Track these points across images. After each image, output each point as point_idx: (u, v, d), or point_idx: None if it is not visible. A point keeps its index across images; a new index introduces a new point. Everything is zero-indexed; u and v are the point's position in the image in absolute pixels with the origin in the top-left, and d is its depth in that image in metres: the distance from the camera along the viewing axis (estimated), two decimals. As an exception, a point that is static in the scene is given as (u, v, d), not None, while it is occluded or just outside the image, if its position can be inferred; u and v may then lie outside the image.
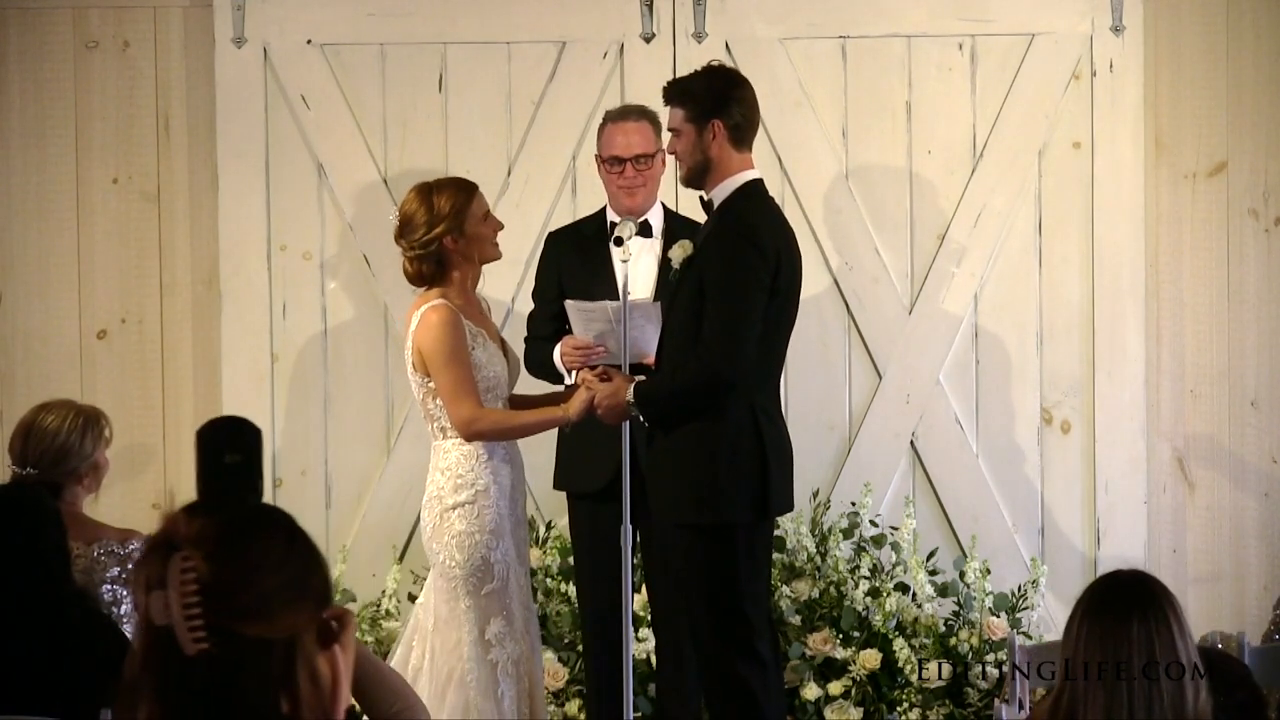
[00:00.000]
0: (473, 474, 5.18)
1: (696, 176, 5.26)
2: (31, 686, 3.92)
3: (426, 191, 5.23)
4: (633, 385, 5.14)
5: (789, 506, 5.43)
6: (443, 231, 5.17)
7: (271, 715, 2.35)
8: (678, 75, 6.23)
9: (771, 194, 6.41)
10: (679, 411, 5.13)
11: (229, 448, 5.13)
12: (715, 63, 5.41)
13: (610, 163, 5.76)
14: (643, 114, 5.80)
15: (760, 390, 5.21)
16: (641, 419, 5.17)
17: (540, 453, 5.80)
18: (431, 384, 5.16)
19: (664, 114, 5.47)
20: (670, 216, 5.88)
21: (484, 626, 5.16)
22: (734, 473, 5.13)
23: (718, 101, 5.21)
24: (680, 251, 5.25)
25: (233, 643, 2.33)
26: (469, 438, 5.18)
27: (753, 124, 5.29)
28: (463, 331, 5.16)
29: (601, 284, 5.70)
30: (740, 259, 5.11)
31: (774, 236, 5.22)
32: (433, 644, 5.19)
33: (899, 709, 6.01)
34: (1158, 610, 3.02)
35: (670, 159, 5.68)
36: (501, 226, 5.33)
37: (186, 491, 5.48)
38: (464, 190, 5.24)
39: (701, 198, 5.31)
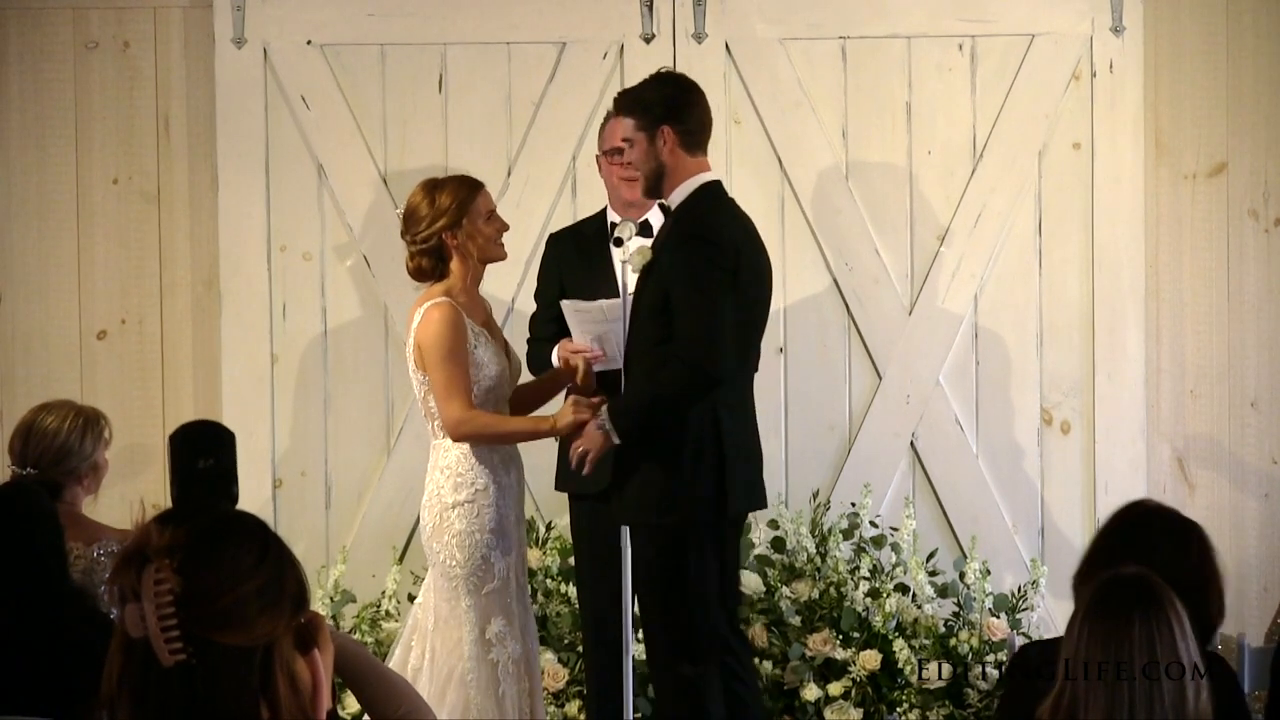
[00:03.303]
0: (472, 473, 5.17)
1: (653, 185, 5.24)
2: (30, 686, 3.91)
3: (431, 187, 5.23)
4: (605, 407, 5.11)
5: (758, 504, 5.38)
6: (443, 226, 5.17)
7: (252, 723, 2.35)
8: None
9: (771, 194, 6.45)
10: (661, 417, 5.10)
11: (202, 453, 5.13)
12: (664, 69, 5.41)
13: (610, 154, 5.76)
14: None
15: (725, 385, 5.16)
16: (616, 438, 5.12)
17: (541, 453, 5.80)
18: (429, 381, 5.16)
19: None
20: (668, 213, 5.86)
21: (485, 626, 5.16)
22: (694, 472, 5.10)
23: (667, 108, 5.20)
24: (639, 258, 5.24)
25: (210, 652, 2.33)
26: (457, 438, 5.17)
27: (704, 128, 5.27)
28: (463, 330, 5.15)
29: (603, 284, 5.70)
30: (700, 256, 5.10)
31: (731, 232, 5.18)
32: (433, 643, 5.19)
33: (899, 709, 6.01)
34: (1159, 610, 3.02)
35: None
36: (506, 227, 5.31)
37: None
38: (467, 186, 5.24)
39: (661, 205, 5.31)
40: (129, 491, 6.27)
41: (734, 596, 5.42)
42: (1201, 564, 3.50)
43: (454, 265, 5.22)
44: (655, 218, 5.81)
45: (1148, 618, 3.01)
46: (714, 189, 5.25)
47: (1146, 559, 3.30)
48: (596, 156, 5.91)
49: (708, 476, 5.12)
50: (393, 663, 5.28)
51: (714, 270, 5.08)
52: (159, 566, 2.32)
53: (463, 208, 5.19)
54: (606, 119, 5.85)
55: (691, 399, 5.08)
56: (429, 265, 5.22)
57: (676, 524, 5.11)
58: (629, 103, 5.27)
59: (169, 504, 5.10)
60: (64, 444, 5.04)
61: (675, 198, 5.21)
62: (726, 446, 5.14)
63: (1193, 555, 3.51)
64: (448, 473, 5.19)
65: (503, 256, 5.33)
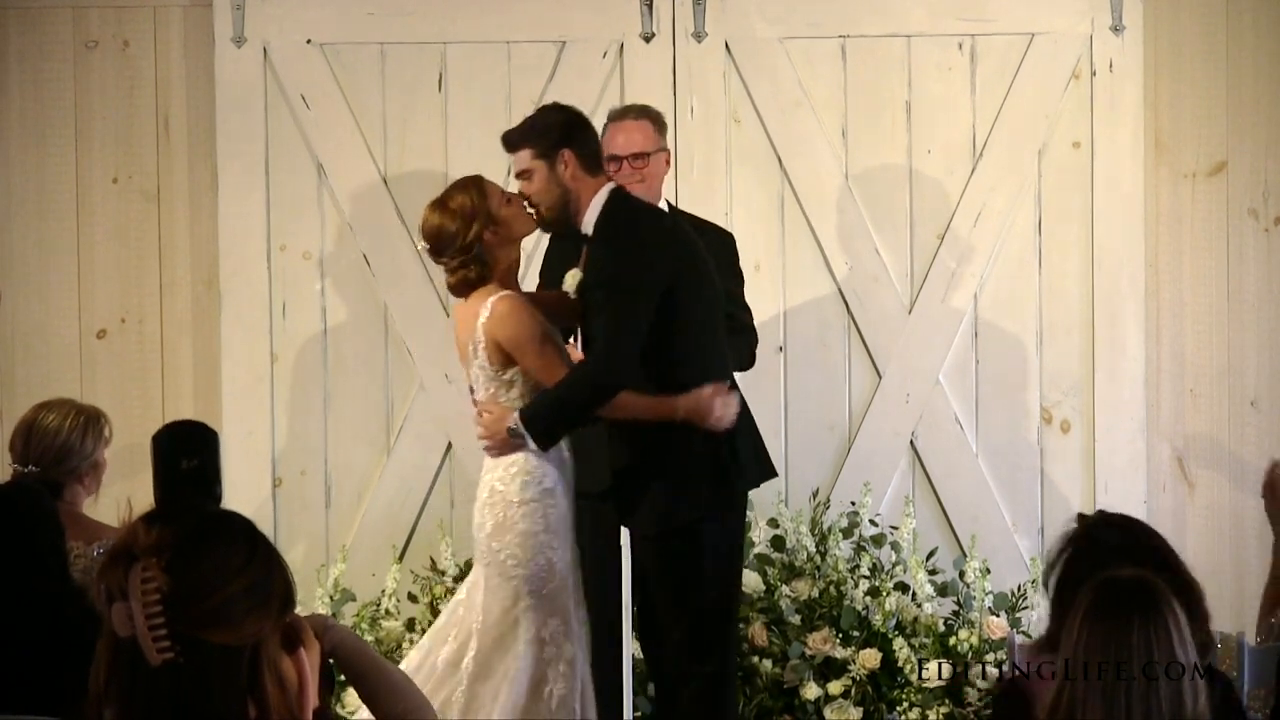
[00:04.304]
0: (540, 471, 5.15)
1: (559, 214, 5.20)
2: (30, 686, 3.91)
3: (441, 204, 5.16)
4: (516, 412, 5.13)
5: (768, 473, 5.42)
6: (480, 228, 5.12)
7: (239, 721, 2.35)
8: (676, 77, 6.27)
9: (771, 193, 6.46)
10: (571, 420, 5.12)
11: (185, 454, 5.12)
12: (548, 104, 5.36)
13: (609, 160, 5.77)
14: (642, 113, 5.81)
15: (709, 380, 5.18)
16: (530, 441, 5.12)
17: (545, 451, 5.80)
18: (506, 375, 5.12)
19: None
20: (674, 213, 5.86)
21: (540, 626, 5.13)
22: (699, 463, 5.15)
23: (564, 132, 5.18)
24: (572, 280, 5.26)
25: (197, 651, 2.33)
26: None
27: (599, 151, 5.27)
28: (537, 312, 5.14)
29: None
30: (615, 268, 5.11)
31: (651, 226, 5.20)
32: (480, 642, 5.17)
33: (899, 708, 6.01)
34: (1157, 614, 3.03)
35: (673, 159, 5.76)
36: (526, 196, 5.26)
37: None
38: (471, 183, 5.20)
39: (580, 233, 5.28)
40: (129, 491, 6.27)
41: (738, 590, 5.47)
42: (1177, 573, 3.51)
43: (498, 265, 5.18)
44: (663, 211, 5.82)
45: (1146, 621, 3.01)
46: (620, 193, 5.23)
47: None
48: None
49: (717, 463, 5.17)
50: (415, 655, 5.26)
51: (630, 279, 5.09)
52: (146, 565, 2.33)
53: (482, 203, 5.15)
54: (605, 125, 5.84)
55: (597, 403, 5.08)
56: (475, 273, 5.13)
57: (694, 521, 5.14)
58: (523, 133, 5.21)
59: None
60: (66, 442, 5.04)
61: (588, 220, 5.18)
62: (729, 437, 5.18)
63: (1170, 568, 3.51)
64: (514, 470, 5.16)
65: (535, 225, 5.27)
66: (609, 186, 5.21)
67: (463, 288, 5.17)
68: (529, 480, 5.14)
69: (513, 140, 5.23)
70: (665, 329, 5.11)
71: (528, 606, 5.13)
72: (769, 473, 5.42)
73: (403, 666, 5.14)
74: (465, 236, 5.10)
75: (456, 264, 5.15)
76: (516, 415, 5.09)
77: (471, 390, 5.28)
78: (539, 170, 5.17)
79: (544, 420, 5.09)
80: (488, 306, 5.09)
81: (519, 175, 5.23)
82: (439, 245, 5.15)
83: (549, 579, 5.14)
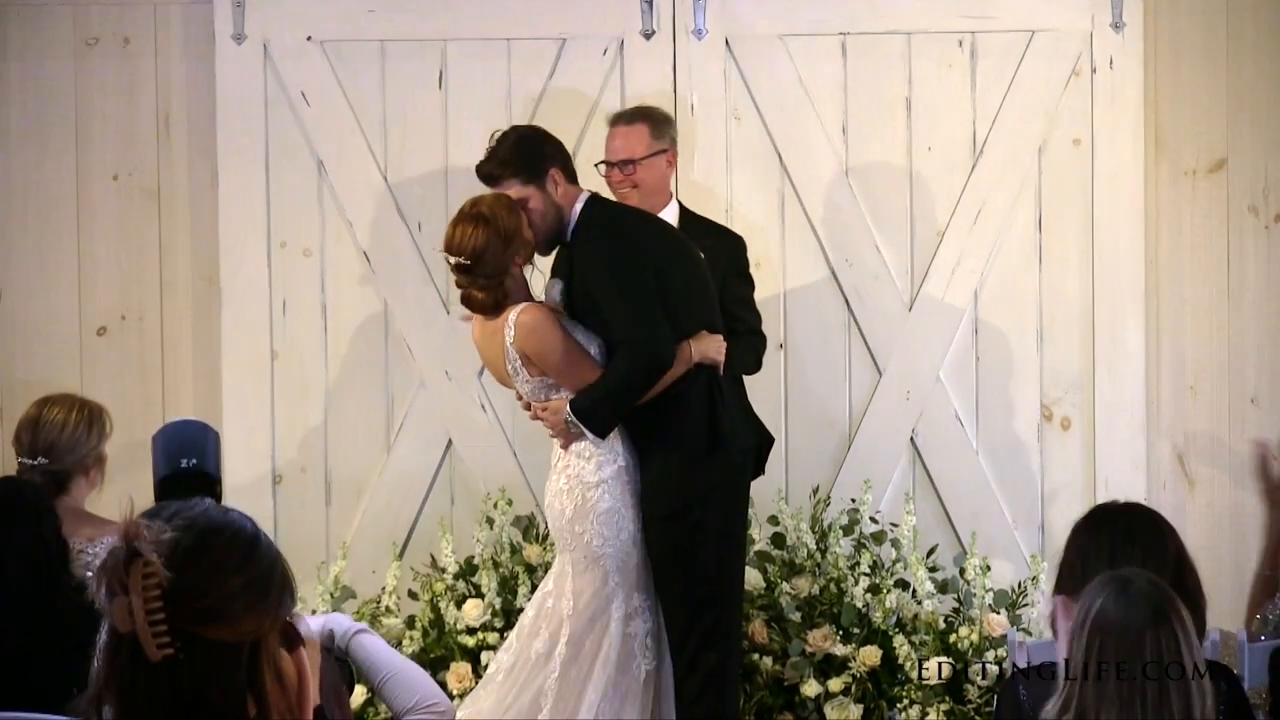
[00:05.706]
0: (613, 452, 5.25)
1: (555, 230, 5.27)
2: (30, 681, 3.92)
3: (484, 220, 5.14)
4: (568, 403, 5.20)
5: (764, 437, 5.55)
6: (514, 249, 5.14)
7: (239, 718, 2.35)
8: (676, 74, 6.27)
9: (771, 190, 6.47)
10: (623, 405, 5.19)
11: (184, 452, 5.13)
12: (500, 130, 5.38)
13: (604, 166, 5.81)
14: (636, 116, 5.83)
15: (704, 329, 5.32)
16: (586, 432, 5.21)
17: (546, 448, 5.80)
18: (551, 378, 5.17)
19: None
20: (686, 215, 5.87)
21: (627, 602, 5.26)
22: (694, 450, 5.26)
23: (547, 152, 5.25)
24: (554, 289, 5.33)
25: (198, 647, 2.34)
26: None
27: (569, 156, 5.34)
28: (557, 318, 5.19)
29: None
30: (613, 265, 5.18)
31: (628, 223, 5.30)
32: (573, 627, 5.24)
33: (899, 706, 6.02)
34: (1166, 623, 3.03)
35: (678, 157, 5.79)
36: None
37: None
38: (510, 203, 5.18)
39: (563, 244, 5.35)
40: (130, 488, 6.26)
41: (740, 570, 5.53)
42: (1179, 560, 3.53)
43: (516, 280, 5.20)
44: (670, 217, 5.82)
45: (1158, 631, 3.02)
46: (595, 199, 5.32)
47: (1131, 563, 3.32)
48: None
49: (711, 442, 5.27)
50: (506, 657, 5.33)
51: (630, 262, 5.17)
52: (148, 561, 2.33)
53: (518, 222, 5.17)
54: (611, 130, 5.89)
55: (646, 383, 5.17)
56: (503, 293, 5.17)
57: (696, 499, 5.22)
58: (506, 165, 5.24)
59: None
60: (72, 435, 5.06)
61: (569, 228, 5.28)
62: (720, 415, 5.29)
63: (1170, 553, 3.54)
64: (588, 454, 5.23)
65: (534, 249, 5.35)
66: (585, 194, 5.29)
67: (493, 308, 5.19)
68: (604, 460, 5.24)
69: (496, 175, 5.25)
70: (663, 298, 5.21)
71: (616, 585, 5.25)
72: (763, 437, 5.53)
73: (494, 669, 5.29)
74: (505, 257, 5.12)
75: (491, 284, 5.16)
76: (568, 409, 5.14)
77: (519, 397, 5.35)
78: (534, 195, 5.23)
79: (598, 412, 5.18)
80: (511, 325, 5.14)
81: (516, 199, 5.24)
82: (478, 263, 5.14)
83: (633, 554, 5.25)
